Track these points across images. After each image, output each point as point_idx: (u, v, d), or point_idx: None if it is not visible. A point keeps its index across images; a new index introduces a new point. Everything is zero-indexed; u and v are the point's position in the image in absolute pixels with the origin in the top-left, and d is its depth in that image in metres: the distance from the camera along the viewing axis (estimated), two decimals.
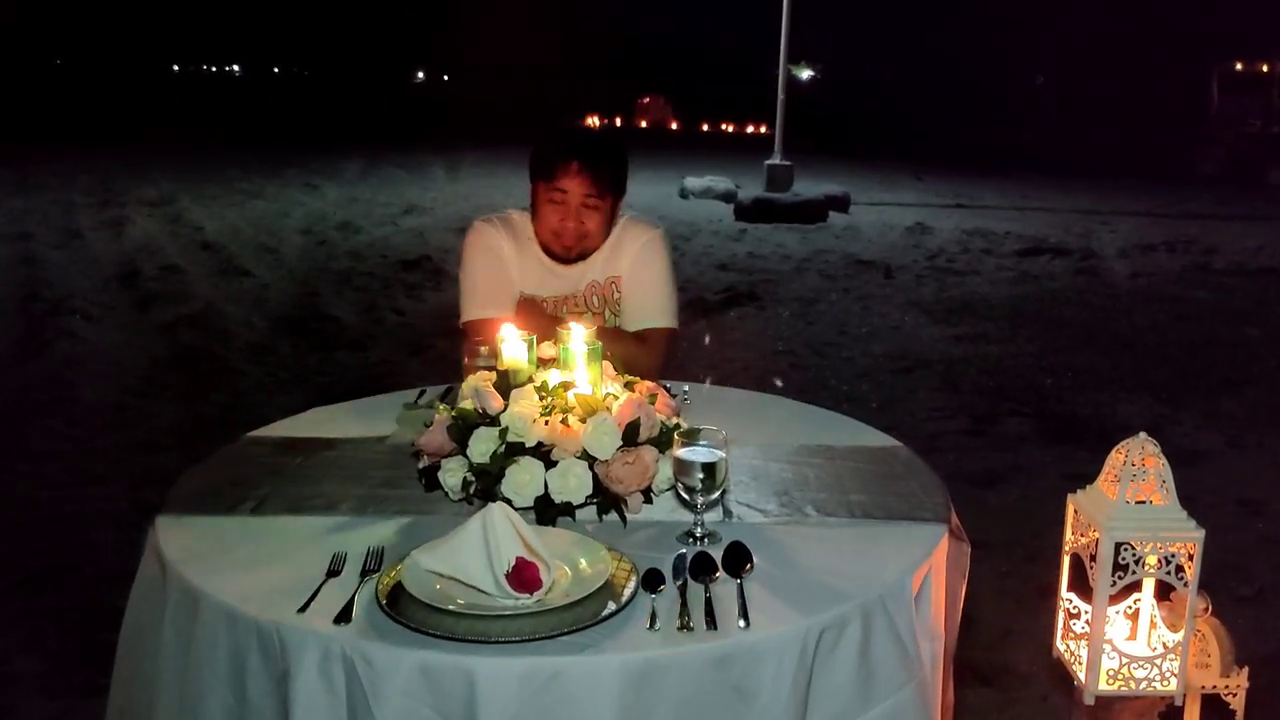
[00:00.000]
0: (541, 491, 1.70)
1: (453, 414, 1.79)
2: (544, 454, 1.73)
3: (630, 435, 1.73)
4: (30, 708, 2.55)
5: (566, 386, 1.79)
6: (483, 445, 1.73)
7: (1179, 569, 1.86)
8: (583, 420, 1.74)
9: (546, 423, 1.74)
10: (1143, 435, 1.89)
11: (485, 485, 1.71)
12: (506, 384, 1.84)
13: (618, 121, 35.65)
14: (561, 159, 2.49)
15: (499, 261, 2.58)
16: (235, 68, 72.37)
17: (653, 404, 1.83)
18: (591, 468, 1.71)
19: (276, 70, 67.89)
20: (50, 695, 2.57)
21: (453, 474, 1.74)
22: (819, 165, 16.88)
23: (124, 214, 10.90)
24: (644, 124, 35.48)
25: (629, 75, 42.05)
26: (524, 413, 1.74)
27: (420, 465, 1.81)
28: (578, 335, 1.92)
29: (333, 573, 1.50)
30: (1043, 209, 13.77)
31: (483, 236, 2.60)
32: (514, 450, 1.72)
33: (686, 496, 1.65)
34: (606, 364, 1.91)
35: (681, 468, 1.63)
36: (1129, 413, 4.95)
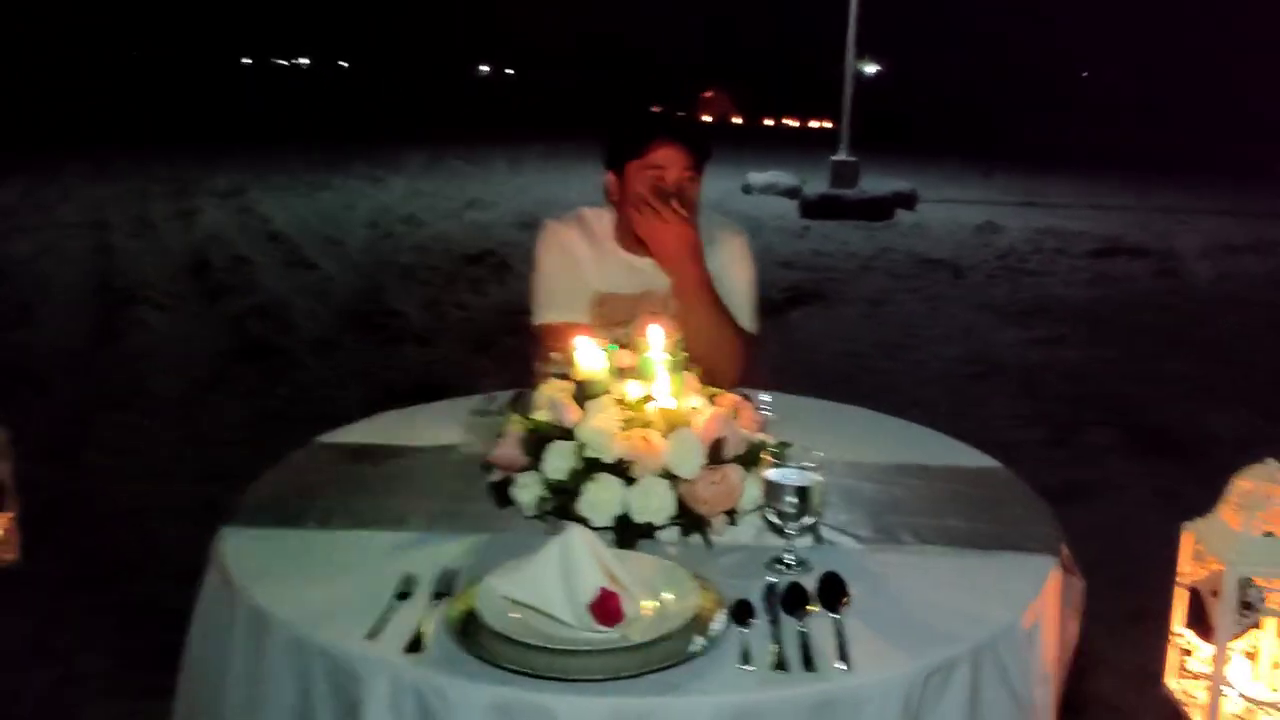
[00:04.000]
0: (621, 511, 1.61)
1: (527, 426, 1.70)
2: (623, 471, 1.63)
3: (715, 453, 1.63)
4: (94, 708, 2.52)
5: (647, 399, 1.69)
6: (559, 460, 1.64)
7: None
8: (664, 435, 1.65)
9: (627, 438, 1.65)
10: (1272, 462, 1.75)
11: (561, 503, 1.63)
12: (584, 395, 1.75)
13: (679, 116, 35.44)
14: (655, 133, 2.38)
15: (573, 262, 2.49)
16: (304, 61, 73.52)
17: (737, 418, 1.74)
18: (674, 486, 1.62)
19: (345, 65, 68.78)
20: (112, 695, 2.55)
21: (527, 490, 1.66)
22: (885, 161, 16.59)
23: (196, 204, 11.06)
24: (706, 118, 35.25)
25: (692, 69, 41.90)
26: (603, 427, 1.65)
27: (492, 480, 1.73)
28: (657, 342, 1.83)
29: (403, 595, 1.42)
30: (1118, 207, 13.39)
31: (555, 236, 2.51)
32: (592, 467, 1.63)
33: (777, 521, 1.54)
34: (689, 374, 1.81)
35: (772, 491, 1.53)
36: (1222, 424, 4.71)
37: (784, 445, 1.85)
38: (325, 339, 5.82)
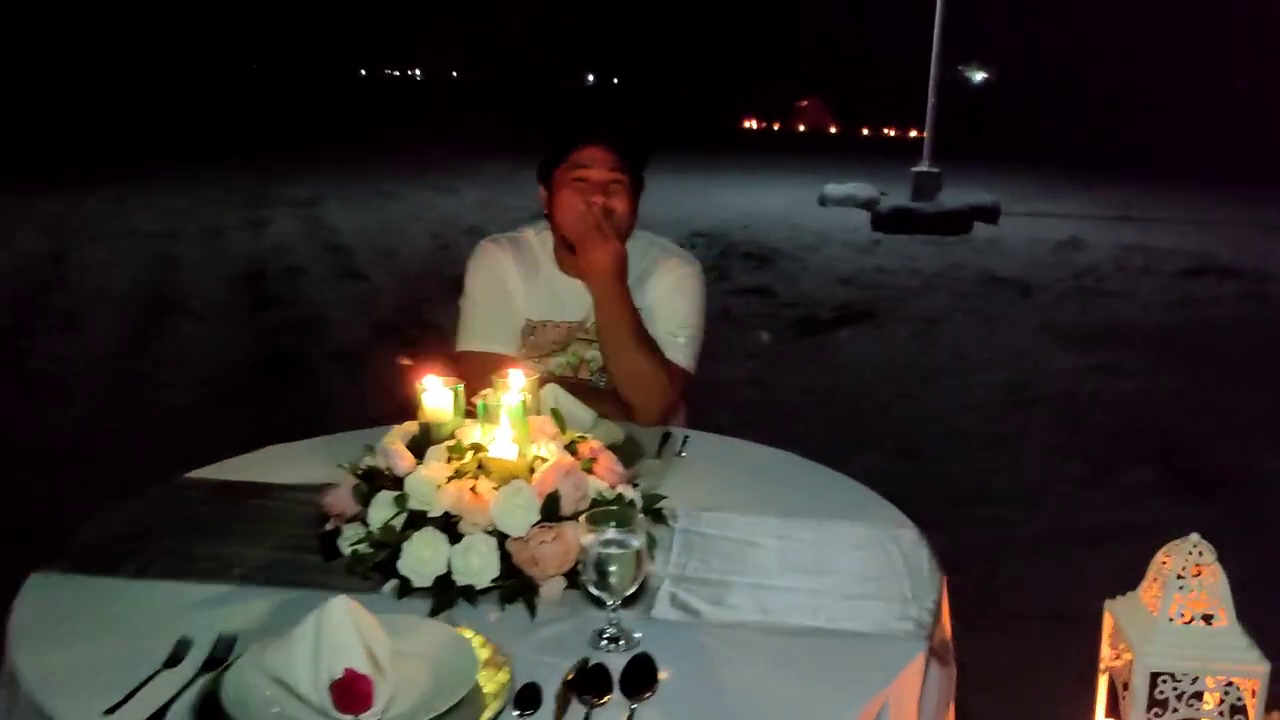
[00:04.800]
0: (444, 570, 1.47)
1: (358, 471, 1.58)
2: (452, 526, 1.50)
3: (549, 509, 1.48)
4: None
5: (476, 448, 1.55)
6: (381, 512, 1.51)
7: (1235, 709, 1.48)
8: (498, 488, 1.51)
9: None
10: (1194, 537, 1.52)
11: (382, 559, 1.50)
12: (427, 439, 1.62)
13: (775, 126, 35.13)
14: (575, 132, 2.24)
15: (501, 288, 2.37)
16: (416, 72, 75.36)
17: (590, 470, 1.58)
18: (505, 545, 1.48)
19: (455, 74, 70.13)
20: None
21: (348, 542, 1.53)
22: (981, 172, 16.06)
23: (270, 214, 11.28)
24: (801, 128, 34.75)
25: (787, 77, 41.31)
26: (430, 476, 1.52)
27: (326, 528, 1.61)
28: (515, 383, 1.70)
29: (172, 661, 1.31)
30: (1220, 223, 12.67)
31: (486, 259, 2.40)
32: (416, 520, 1.50)
33: (595, 591, 1.38)
34: (545, 419, 1.66)
35: (584, 557, 1.37)
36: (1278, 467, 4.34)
37: (655, 499, 1.70)
38: (354, 352, 5.79)
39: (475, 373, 2.27)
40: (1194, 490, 4.13)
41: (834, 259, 9.36)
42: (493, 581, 1.46)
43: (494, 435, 1.57)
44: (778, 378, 5.67)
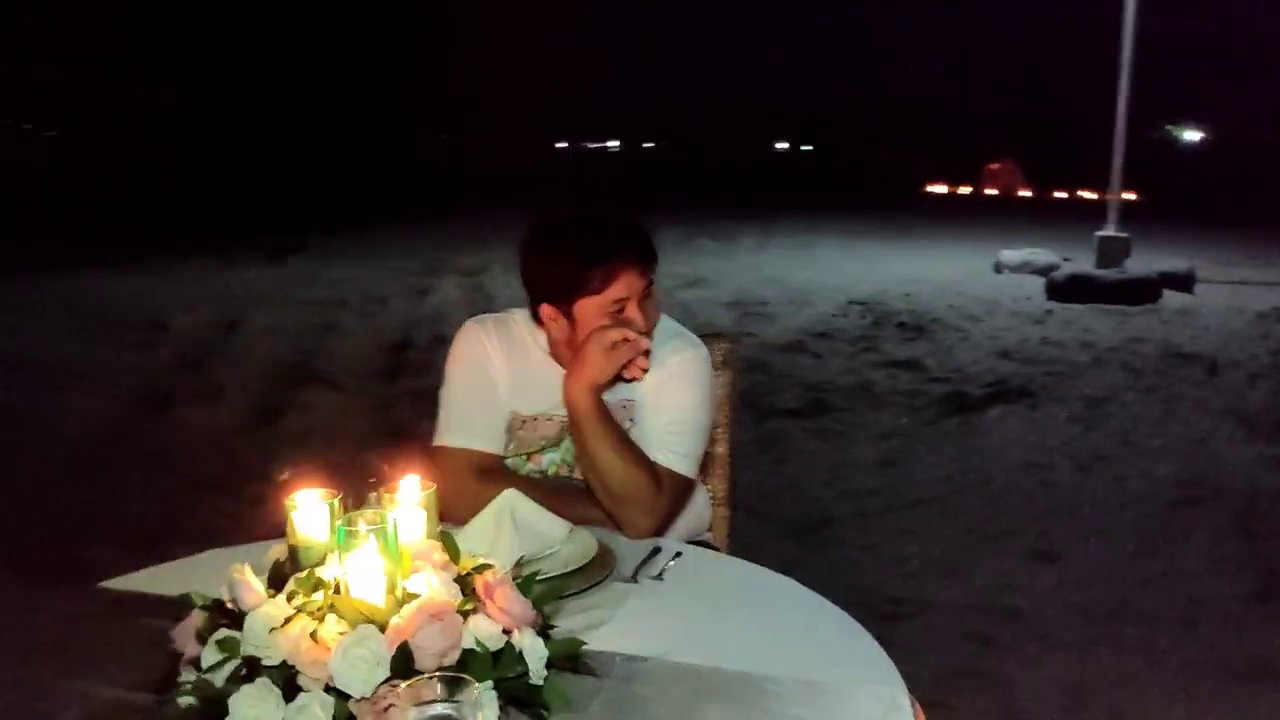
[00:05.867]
0: None
1: (205, 603, 1.36)
2: (292, 679, 1.25)
3: (401, 663, 1.22)
4: None
5: (322, 584, 1.30)
6: (213, 655, 1.28)
7: None
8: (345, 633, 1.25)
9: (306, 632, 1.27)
10: None
11: (209, 714, 1.26)
12: (294, 567, 1.39)
13: (962, 190, 33.88)
14: (618, 266, 2.00)
15: (485, 377, 2.15)
16: (614, 143, 78.10)
17: (472, 611, 1.31)
18: (350, 705, 1.22)
19: (649, 145, 72.04)
20: None
21: (180, 690, 1.31)
22: (1184, 236, 14.81)
23: (436, 282, 11.50)
24: (992, 191, 33.36)
25: (979, 139, 39.89)
26: (269, 615, 1.28)
27: (175, 669, 1.39)
28: (409, 491, 1.46)
29: None
30: None
31: (469, 343, 2.19)
32: (252, 670, 1.26)
33: None
34: (431, 544, 1.40)
35: None
36: None
37: (571, 645, 1.41)
38: None
39: (453, 472, 2.05)
40: None
41: (998, 330, 8.70)
42: None
43: (356, 566, 1.32)
44: (911, 461, 5.20)
